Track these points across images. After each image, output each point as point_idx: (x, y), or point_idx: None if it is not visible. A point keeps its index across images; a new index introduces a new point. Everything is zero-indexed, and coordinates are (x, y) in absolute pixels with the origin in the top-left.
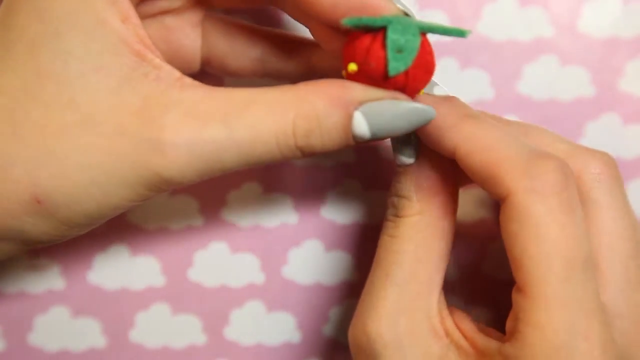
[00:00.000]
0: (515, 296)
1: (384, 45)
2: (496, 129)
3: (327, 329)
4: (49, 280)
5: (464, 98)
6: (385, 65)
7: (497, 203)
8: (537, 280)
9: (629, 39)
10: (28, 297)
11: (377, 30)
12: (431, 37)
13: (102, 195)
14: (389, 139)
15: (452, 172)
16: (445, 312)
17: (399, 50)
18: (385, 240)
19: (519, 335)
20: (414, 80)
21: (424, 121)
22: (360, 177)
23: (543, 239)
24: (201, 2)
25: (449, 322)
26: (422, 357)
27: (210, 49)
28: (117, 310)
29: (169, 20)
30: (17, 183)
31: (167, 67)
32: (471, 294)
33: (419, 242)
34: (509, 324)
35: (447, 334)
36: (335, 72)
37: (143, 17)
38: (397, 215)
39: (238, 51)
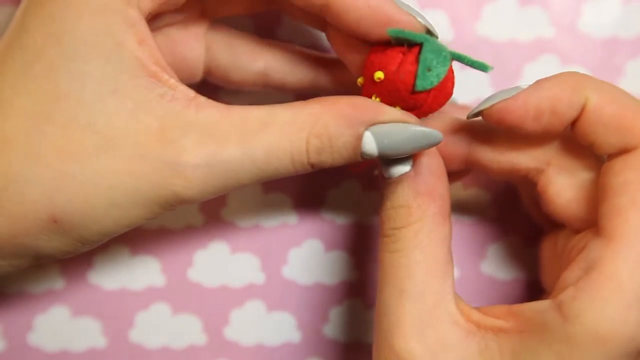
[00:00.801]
0: (595, 246)
1: (416, 61)
2: (617, 87)
3: (327, 329)
4: (49, 280)
5: (464, 98)
6: (414, 80)
7: (497, 203)
8: (635, 232)
9: (629, 39)
10: (28, 297)
11: (411, 46)
12: None
13: (119, 215)
14: None
15: (445, 175)
16: (467, 307)
17: (429, 68)
18: (388, 257)
19: (591, 287)
20: (433, 101)
21: (431, 144)
22: (360, 177)
23: None
24: (206, 14)
25: (475, 315)
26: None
27: (213, 61)
28: (117, 310)
29: (174, 32)
30: (34, 204)
31: (182, 87)
32: (471, 294)
33: (425, 250)
34: (568, 277)
35: (479, 327)
36: (337, 87)
37: (151, 29)
38: (396, 228)
39: (241, 63)
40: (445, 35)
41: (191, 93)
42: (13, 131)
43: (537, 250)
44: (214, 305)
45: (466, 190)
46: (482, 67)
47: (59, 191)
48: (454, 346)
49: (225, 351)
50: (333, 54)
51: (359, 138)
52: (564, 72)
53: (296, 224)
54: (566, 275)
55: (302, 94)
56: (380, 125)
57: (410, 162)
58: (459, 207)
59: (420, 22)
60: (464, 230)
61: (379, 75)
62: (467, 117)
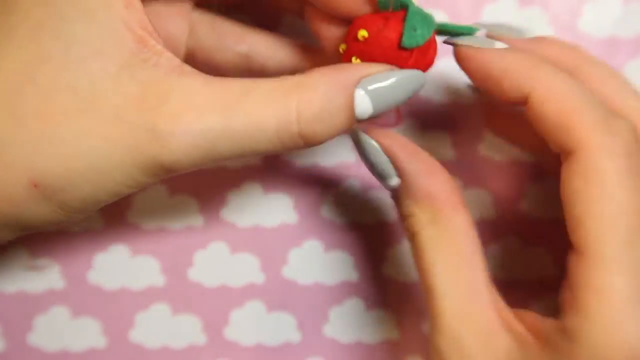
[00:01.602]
0: (572, 261)
1: (402, 21)
2: (572, 80)
3: (327, 329)
4: (49, 280)
5: (464, 98)
6: (400, 36)
7: (497, 203)
8: (599, 241)
9: (629, 39)
10: (28, 297)
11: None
12: None
13: (98, 180)
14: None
15: (435, 167)
16: (502, 304)
17: (415, 29)
18: (416, 262)
19: (579, 304)
20: (414, 63)
21: (419, 87)
22: (360, 177)
23: (610, 199)
24: None
25: (507, 314)
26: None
27: (196, 41)
28: (117, 310)
29: (159, 7)
30: (13, 166)
31: (168, 54)
32: None
33: (443, 249)
34: (563, 297)
35: (509, 328)
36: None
37: None
38: (413, 234)
39: (224, 45)
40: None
41: (176, 60)
42: None
43: (537, 250)
44: (214, 305)
45: (466, 190)
46: (468, 30)
47: (38, 154)
48: (485, 347)
49: (225, 351)
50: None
51: (351, 96)
52: (540, 42)
53: (296, 224)
54: (563, 295)
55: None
56: (369, 79)
57: (395, 174)
58: None
59: None
60: None
61: (363, 33)
62: (443, 42)
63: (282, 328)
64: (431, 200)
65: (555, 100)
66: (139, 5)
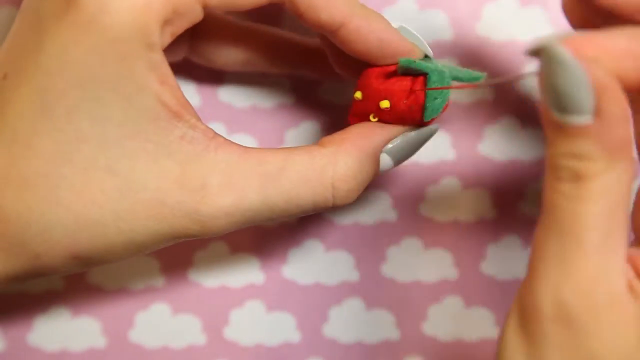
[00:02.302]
0: None
1: (423, 90)
2: None
3: (327, 329)
4: (49, 280)
5: (464, 98)
6: (422, 112)
7: (497, 203)
8: None
9: None
10: (28, 297)
11: (415, 75)
12: (431, 37)
13: (136, 250)
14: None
15: (629, 117)
16: (632, 272)
17: (435, 98)
18: (566, 205)
19: None
20: (429, 122)
21: (431, 137)
22: None
23: None
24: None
25: (631, 274)
26: (619, 323)
27: (197, 44)
28: (117, 310)
29: None
30: (57, 244)
31: (202, 127)
32: (471, 294)
33: (611, 200)
34: None
35: (634, 291)
36: (319, 76)
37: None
38: (578, 177)
39: (225, 50)
40: (445, 35)
41: (210, 132)
42: (32, 173)
43: None
44: (214, 305)
45: (466, 190)
46: (476, 78)
47: (80, 233)
48: (617, 309)
49: (224, 351)
50: (317, 42)
51: (378, 163)
52: None
53: (296, 224)
54: None
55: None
56: (393, 144)
57: (591, 111)
58: (459, 207)
59: (420, 49)
60: (464, 230)
61: (385, 104)
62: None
63: (282, 328)
64: (622, 150)
65: None
66: (172, 81)
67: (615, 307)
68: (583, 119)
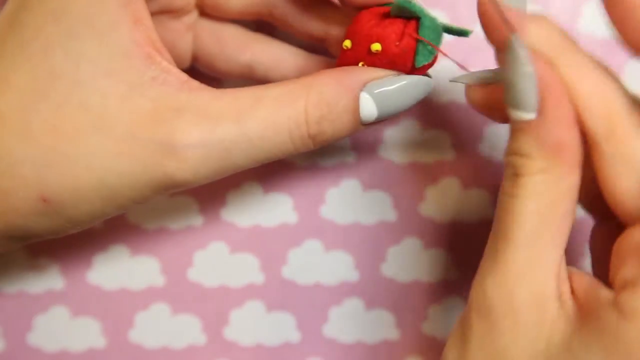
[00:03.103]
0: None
1: (416, 33)
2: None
3: (327, 329)
4: (49, 280)
5: (464, 98)
6: (414, 56)
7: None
8: None
9: None
10: (28, 297)
11: (407, 18)
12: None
13: (109, 196)
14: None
15: (575, 123)
16: (565, 274)
17: (426, 46)
18: (504, 201)
19: None
20: (422, 70)
21: (425, 92)
22: (360, 177)
23: None
24: (198, 7)
25: (566, 287)
26: (534, 325)
27: (200, 50)
28: (117, 310)
29: (165, 19)
30: (24, 181)
31: (175, 70)
32: None
33: (542, 201)
34: (625, 273)
35: (562, 300)
36: None
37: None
38: (516, 174)
39: (227, 55)
40: (446, 35)
41: (184, 76)
42: (8, 107)
43: None
44: (214, 305)
45: (466, 190)
46: (464, 33)
47: (49, 169)
48: (534, 309)
49: (224, 351)
50: (320, 55)
51: (356, 99)
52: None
53: (296, 224)
54: (624, 272)
55: None
56: (374, 83)
57: (535, 109)
58: (459, 207)
59: None
60: (464, 231)
61: (377, 47)
62: (450, 80)
63: (282, 328)
64: (558, 153)
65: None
66: (148, 22)
67: (534, 308)
68: (527, 115)
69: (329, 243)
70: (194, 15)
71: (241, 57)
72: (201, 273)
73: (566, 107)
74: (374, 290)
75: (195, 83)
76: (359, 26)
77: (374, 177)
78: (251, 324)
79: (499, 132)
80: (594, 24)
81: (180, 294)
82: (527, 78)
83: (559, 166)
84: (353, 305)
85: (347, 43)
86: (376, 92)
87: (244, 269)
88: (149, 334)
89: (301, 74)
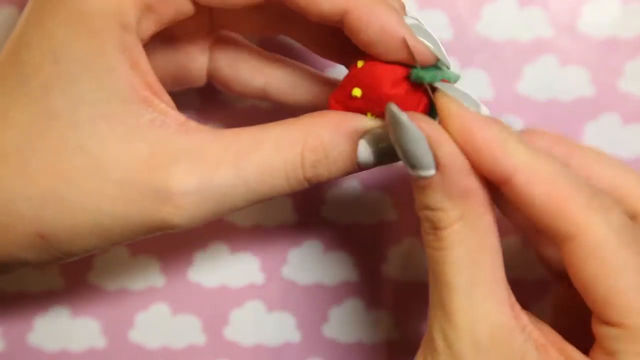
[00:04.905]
0: (605, 331)
1: (429, 102)
2: (552, 159)
3: (327, 329)
4: (49, 280)
5: None
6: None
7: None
8: (634, 312)
9: (629, 39)
10: (28, 297)
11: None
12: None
13: (104, 235)
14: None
15: (471, 168)
16: (518, 306)
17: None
18: (433, 254)
19: None
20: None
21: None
22: (360, 177)
23: (631, 273)
24: (214, 29)
25: (525, 318)
26: (506, 356)
27: (215, 72)
28: (117, 310)
29: (180, 43)
30: (22, 218)
31: (173, 113)
32: None
33: (468, 246)
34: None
35: (523, 329)
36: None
37: (156, 40)
38: (436, 228)
39: (242, 78)
40: (445, 34)
41: (182, 118)
42: (6, 144)
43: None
44: (214, 305)
45: None
46: (454, 78)
47: (46, 209)
48: (500, 345)
49: (224, 351)
50: (335, 76)
51: (354, 145)
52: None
53: (296, 224)
54: (595, 357)
55: (302, 109)
56: (374, 133)
57: (432, 166)
58: None
59: (433, 52)
60: None
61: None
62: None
63: (282, 328)
64: (468, 198)
65: (541, 184)
66: (145, 65)
67: (501, 344)
68: (427, 173)
69: (328, 243)
70: (208, 38)
71: (256, 82)
72: (201, 273)
73: (461, 156)
74: (374, 290)
75: (193, 124)
76: (376, 82)
77: (374, 177)
78: (251, 324)
79: None
80: (593, 24)
81: (180, 294)
82: (416, 140)
83: (473, 209)
84: (353, 305)
85: (357, 92)
86: (374, 141)
87: (244, 269)
88: (149, 333)
89: (315, 99)
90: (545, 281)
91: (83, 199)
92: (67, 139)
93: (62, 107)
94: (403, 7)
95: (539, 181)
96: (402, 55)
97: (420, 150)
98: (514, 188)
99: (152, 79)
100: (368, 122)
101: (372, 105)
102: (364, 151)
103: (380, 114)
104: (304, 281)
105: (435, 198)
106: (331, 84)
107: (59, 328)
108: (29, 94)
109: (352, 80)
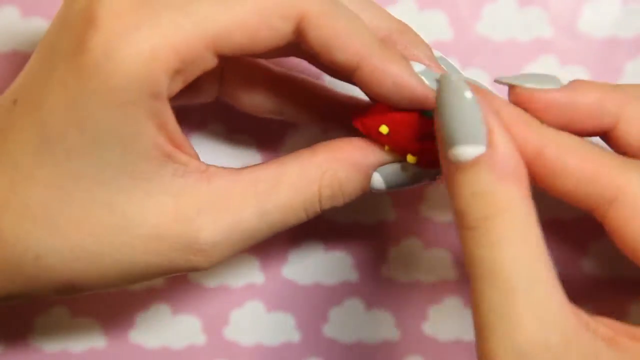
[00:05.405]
0: None
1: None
2: (577, 137)
3: (327, 329)
4: None
5: None
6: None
7: None
8: None
9: (629, 39)
10: None
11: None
12: (431, 37)
13: (133, 280)
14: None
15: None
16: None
17: None
18: (483, 252)
19: None
20: None
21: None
22: None
23: None
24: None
25: (584, 315)
26: (581, 357)
27: (227, 92)
28: (117, 310)
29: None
30: (52, 270)
31: (194, 162)
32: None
33: (525, 238)
34: None
35: (588, 327)
36: (348, 131)
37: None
38: (483, 218)
39: (256, 99)
40: (445, 35)
41: (202, 166)
42: (32, 201)
43: None
44: (214, 305)
45: None
46: None
47: (76, 262)
48: (573, 345)
49: (224, 351)
50: (348, 95)
51: (368, 179)
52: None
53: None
54: None
55: (317, 125)
56: (387, 167)
57: (484, 142)
58: None
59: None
60: None
61: (411, 160)
62: (494, 80)
63: (282, 328)
64: (520, 182)
65: (573, 154)
66: (172, 124)
67: (574, 346)
68: (477, 149)
69: (329, 243)
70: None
71: (270, 102)
72: (201, 273)
73: (511, 140)
74: (374, 290)
75: (213, 169)
76: (403, 127)
77: None
78: (251, 324)
79: None
80: (594, 24)
81: (180, 294)
82: (472, 112)
83: (525, 194)
84: (353, 305)
85: (384, 129)
86: (387, 173)
87: (244, 269)
88: (149, 333)
89: (330, 116)
90: None
91: (114, 253)
92: (94, 196)
93: (87, 169)
94: (428, 48)
95: (570, 151)
96: (414, 106)
97: (474, 122)
98: (546, 162)
99: (177, 135)
100: (384, 157)
101: (396, 147)
102: (377, 182)
103: (400, 152)
104: (304, 281)
105: (485, 180)
106: (346, 101)
107: (60, 328)
108: (53, 155)
109: (384, 116)
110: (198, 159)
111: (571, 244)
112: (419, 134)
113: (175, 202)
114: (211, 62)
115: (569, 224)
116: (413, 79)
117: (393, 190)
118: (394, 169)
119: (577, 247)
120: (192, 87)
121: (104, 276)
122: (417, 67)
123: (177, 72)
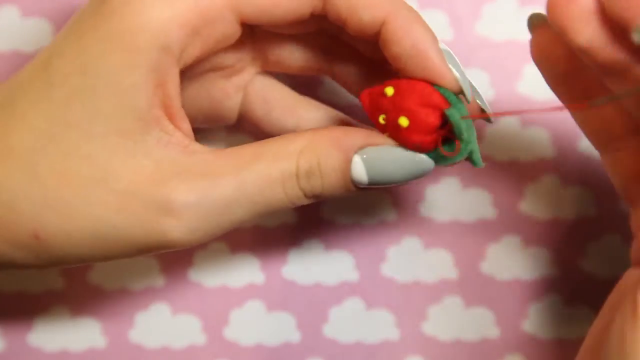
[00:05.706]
0: None
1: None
2: None
3: (327, 329)
4: (49, 280)
5: None
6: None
7: (498, 203)
8: None
9: None
10: (28, 297)
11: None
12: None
13: (100, 247)
14: None
15: None
16: None
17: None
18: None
19: None
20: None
21: (422, 172)
22: None
23: None
24: (252, 65)
25: None
26: None
27: (247, 111)
28: (118, 310)
29: (217, 79)
30: (21, 215)
31: (179, 134)
32: (471, 294)
33: None
34: None
35: None
36: None
37: (195, 73)
38: None
39: (274, 119)
40: (445, 35)
41: (186, 140)
42: (19, 144)
43: (536, 251)
44: (214, 305)
45: (466, 190)
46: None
47: (47, 210)
48: None
49: (224, 351)
50: (365, 123)
51: (348, 161)
52: None
53: (296, 224)
54: None
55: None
56: (369, 149)
57: None
58: (459, 207)
59: (458, 83)
60: (464, 230)
61: (403, 123)
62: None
63: (282, 328)
64: None
65: None
66: (172, 88)
67: None
68: None
69: (329, 243)
70: (245, 76)
71: (287, 122)
72: (201, 273)
73: None
74: (374, 290)
75: (197, 146)
76: (408, 91)
77: None
78: (251, 324)
79: (499, 132)
80: None
81: (180, 294)
82: None
83: None
84: (353, 305)
85: (390, 91)
86: (369, 158)
87: (244, 269)
88: (149, 333)
89: None
90: (545, 281)
91: (85, 206)
92: (79, 148)
93: (80, 120)
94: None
95: None
96: (426, 76)
97: None
98: None
99: (174, 102)
100: (367, 139)
101: (394, 110)
102: (358, 167)
103: (395, 137)
104: (304, 281)
105: None
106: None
107: (59, 328)
108: (51, 101)
109: (391, 80)
110: (190, 135)
111: (571, 244)
112: (422, 101)
113: (155, 167)
114: (232, 28)
115: (569, 224)
116: (433, 48)
117: (378, 183)
118: (376, 153)
119: (577, 247)
120: (215, 106)
121: (70, 233)
122: (442, 45)
123: (195, 31)
